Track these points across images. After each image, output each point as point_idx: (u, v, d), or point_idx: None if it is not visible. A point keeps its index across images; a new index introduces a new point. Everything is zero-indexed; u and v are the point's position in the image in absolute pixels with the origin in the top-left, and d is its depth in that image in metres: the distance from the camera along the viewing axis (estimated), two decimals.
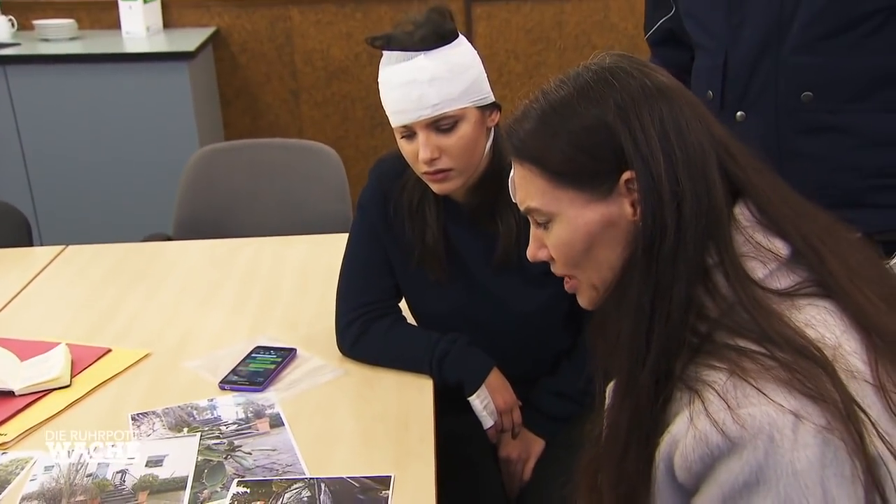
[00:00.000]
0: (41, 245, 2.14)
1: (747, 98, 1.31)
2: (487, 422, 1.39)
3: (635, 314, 0.79)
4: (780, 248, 0.81)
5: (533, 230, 0.90)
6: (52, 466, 1.19)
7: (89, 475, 1.17)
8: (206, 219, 2.22)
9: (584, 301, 0.91)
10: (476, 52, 1.33)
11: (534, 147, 0.85)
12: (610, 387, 0.87)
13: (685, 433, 0.74)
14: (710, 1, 1.35)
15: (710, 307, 0.78)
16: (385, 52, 1.29)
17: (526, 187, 0.87)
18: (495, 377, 1.40)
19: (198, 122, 3.32)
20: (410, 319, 1.49)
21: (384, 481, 1.13)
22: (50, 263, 1.92)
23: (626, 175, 0.81)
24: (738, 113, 1.32)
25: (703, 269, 0.79)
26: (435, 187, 1.34)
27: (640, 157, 0.79)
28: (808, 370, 0.72)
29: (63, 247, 2.01)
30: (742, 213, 0.82)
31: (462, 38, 1.32)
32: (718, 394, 0.73)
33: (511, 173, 0.90)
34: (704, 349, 0.77)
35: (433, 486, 1.13)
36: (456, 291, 1.43)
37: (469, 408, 1.40)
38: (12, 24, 3.56)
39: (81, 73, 3.27)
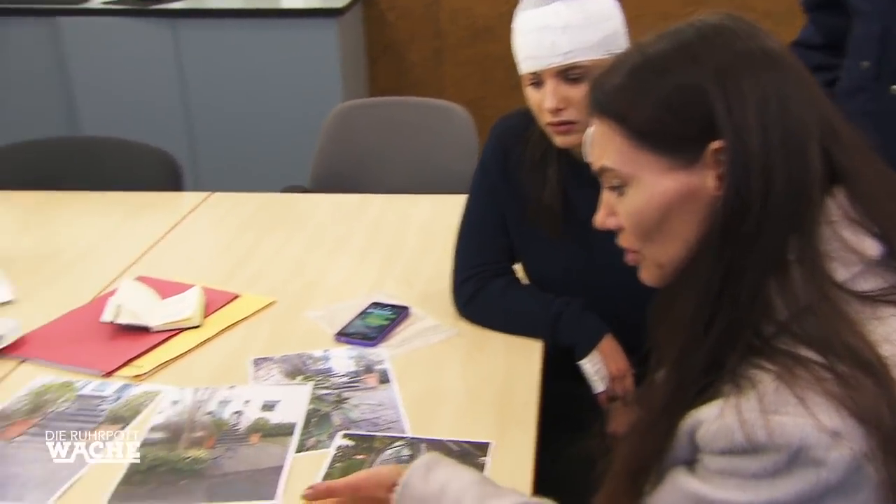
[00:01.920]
0: (191, 191, 2.26)
1: None
2: (598, 386, 1.37)
3: (701, 296, 0.74)
4: (869, 247, 0.73)
5: (604, 195, 0.85)
6: (178, 401, 1.27)
7: (209, 413, 1.24)
8: (340, 173, 2.28)
9: (646, 276, 0.86)
10: (620, 7, 1.29)
11: (619, 102, 0.80)
12: (660, 374, 0.83)
13: (712, 421, 0.70)
14: None
15: (780, 308, 0.72)
16: None
17: (604, 145, 0.82)
18: (609, 342, 1.37)
19: (343, 78, 3.40)
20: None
21: (482, 447, 1.13)
22: (195, 209, 2.04)
23: (715, 145, 0.74)
24: (893, 86, 1.21)
25: (781, 263, 0.73)
26: (558, 139, 1.31)
27: (732, 127, 0.73)
28: (866, 389, 0.66)
29: (209, 193, 2.12)
30: (834, 203, 0.74)
31: None
32: (757, 394, 0.68)
33: (588, 129, 0.86)
34: (763, 352, 0.72)
35: (531, 455, 1.13)
36: (571, 252, 1.41)
37: (583, 376, 1.38)
38: None
39: (238, 28, 3.43)
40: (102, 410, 1.26)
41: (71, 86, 3.60)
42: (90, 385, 1.32)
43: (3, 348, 1.41)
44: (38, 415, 1.26)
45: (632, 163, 0.79)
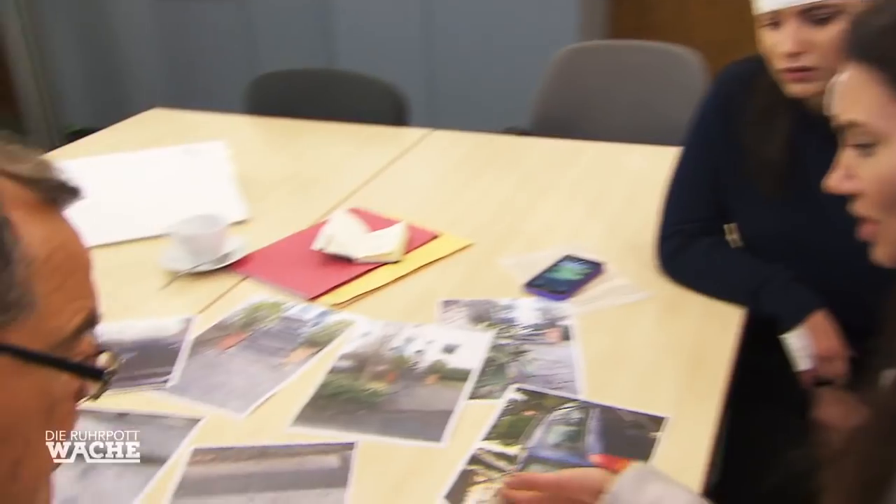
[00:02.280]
0: (426, 126, 2.29)
1: None
2: (801, 364, 1.24)
3: None
4: None
5: (845, 154, 0.74)
6: (368, 333, 1.33)
7: (393, 348, 1.28)
8: (560, 116, 2.23)
9: (881, 255, 0.75)
10: None
11: (885, 46, 0.69)
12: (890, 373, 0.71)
13: None
14: None
15: None
16: None
17: (857, 95, 0.71)
18: (820, 318, 1.24)
19: (582, 16, 3.30)
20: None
21: (658, 421, 1.07)
22: (414, 145, 2.09)
23: None
24: None
25: None
26: (792, 87, 1.19)
27: None
28: None
29: (429, 130, 2.16)
30: None
31: None
32: None
33: (837, 76, 0.75)
34: None
35: (710, 436, 1.05)
36: (792, 215, 1.28)
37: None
38: None
39: None
40: (302, 333, 1.34)
41: (331, 21, 3.80)
42: (295, 308, 1.42)
43: (231, 264, 1.55)
44: (248, 330, 1.37)
45: (889, 118, 0.69)
